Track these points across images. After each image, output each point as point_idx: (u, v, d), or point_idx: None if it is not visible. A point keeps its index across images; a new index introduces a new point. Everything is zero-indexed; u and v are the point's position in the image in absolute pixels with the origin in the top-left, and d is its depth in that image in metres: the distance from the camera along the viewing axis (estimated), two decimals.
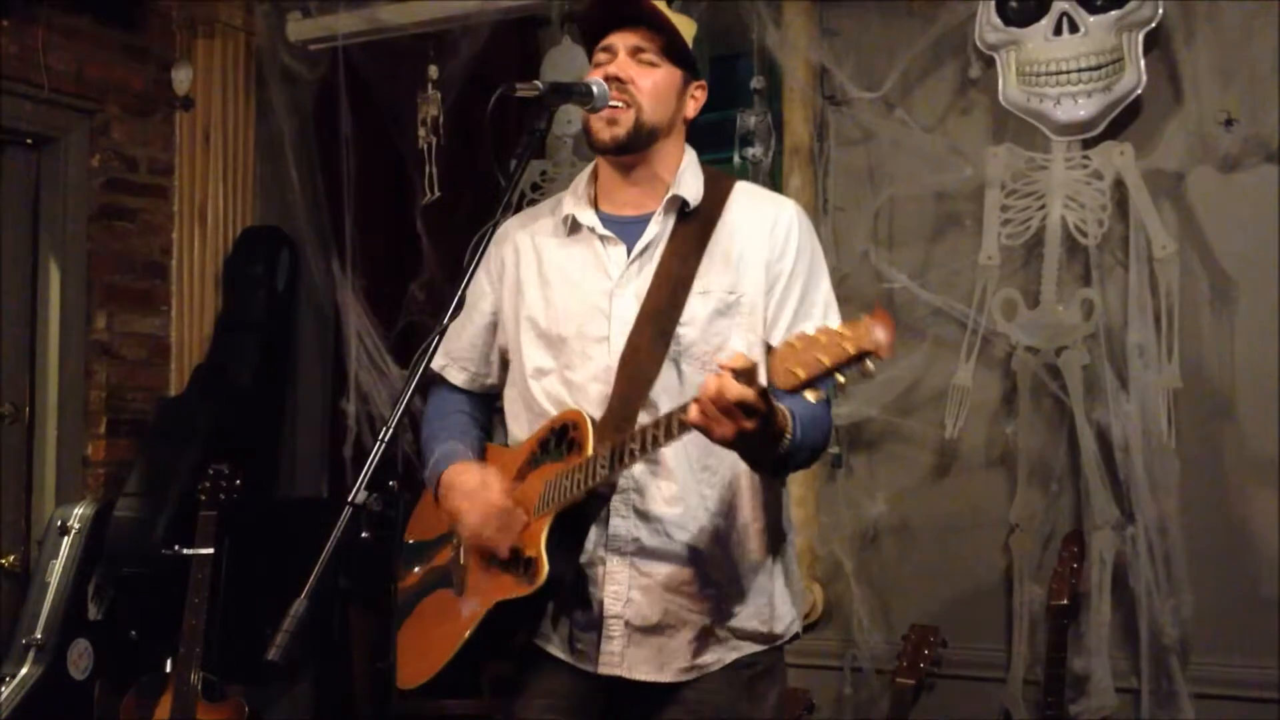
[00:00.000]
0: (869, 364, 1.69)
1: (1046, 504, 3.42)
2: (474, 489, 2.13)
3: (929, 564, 3.59)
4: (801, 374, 1.71)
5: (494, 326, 2.35)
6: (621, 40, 2.18)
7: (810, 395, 1.74)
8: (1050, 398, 3.40)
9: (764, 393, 1.81)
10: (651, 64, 2.17)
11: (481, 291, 2.35)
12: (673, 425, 1.91)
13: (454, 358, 2.39)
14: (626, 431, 2.02)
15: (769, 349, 1.76)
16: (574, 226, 2.25)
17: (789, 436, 1.94)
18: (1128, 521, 3.25)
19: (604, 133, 2.16)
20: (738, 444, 1.88)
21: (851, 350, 1.68)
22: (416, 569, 2.33)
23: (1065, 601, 3.19)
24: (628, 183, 2.23)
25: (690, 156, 2.26)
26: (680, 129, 2.25)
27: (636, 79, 2.16)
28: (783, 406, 1.94)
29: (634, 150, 2.18)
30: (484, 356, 2.38)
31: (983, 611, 3.49)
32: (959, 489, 3.57)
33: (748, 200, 2.25)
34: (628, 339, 2.14)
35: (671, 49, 2.18)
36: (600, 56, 2.20)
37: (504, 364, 2.35)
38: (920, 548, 3.61)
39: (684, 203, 2.20)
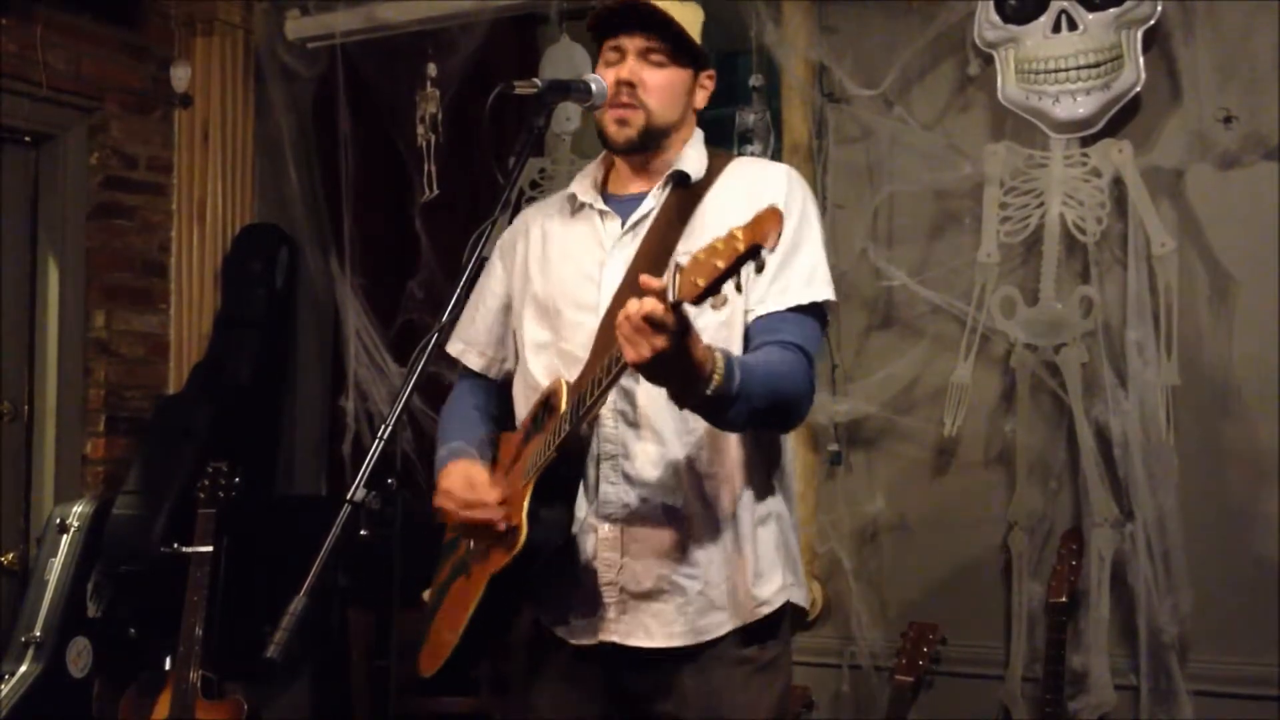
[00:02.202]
0: (763, 256, 1.64)
1: (1045, 501, 3.42)
2: (449, 486, 2.14)
3: (928, 561, 3.59)
4: (701, 282, 1.67)
5: (507, 309, 2.37)
6: (630, 42, 2.19)
7: (713, 303, 1.69)
8: (1049, 395, 3.40)
9: (674, 308, 1.74)
10: (660, 64, 2.19)
11: (496, 276, 2.38)
12: (611, 363, 1.89)
13: (469, 342, 2.40)
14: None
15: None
16: (577, 206, 2.28)
17: (718, 377, 1.86)
18: (1126, 519, 3.25)
19: (617, 134, 2.19)
20: (657, 370, 1.81)
21: (742, 248, 1.64)
22: (446, 565, 2.35)
23: (1064, 599, 3.20)
24: (635, 169, 2.26)
25: (697, 136, 2.28)
26: (691, 119, 2.28)
27: (646, 81, 2.17)
28: (709, 347, 1.88)
29: (646, 149, 2.22)
30: (499, 340, 2.39)
31: (982, 609, 3.50)
32: (958, 486, 3.57)
33: (740, 169, 2.25)
34: (609, 306, 2.14)
35: (680, 48, 2.20)
36: (609, 55, 2.22)
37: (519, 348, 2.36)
38: (919, 545, 3.61)
39: (684, 176, 2.21)
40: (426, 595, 2.40)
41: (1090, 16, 3.28)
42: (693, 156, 2.24)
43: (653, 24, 2.18)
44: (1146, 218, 3.26)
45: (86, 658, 3.89)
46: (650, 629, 2.13)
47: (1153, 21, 3.24)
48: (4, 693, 3.71)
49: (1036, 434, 3.43)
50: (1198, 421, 3.27)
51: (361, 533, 1.86)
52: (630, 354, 1.78)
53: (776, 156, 3.71)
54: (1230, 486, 3.26)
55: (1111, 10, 3.26)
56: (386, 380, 4.16)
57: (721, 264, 1.66)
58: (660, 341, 1.75)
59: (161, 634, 3.70)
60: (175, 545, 3.68)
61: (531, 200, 4.02)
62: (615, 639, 2.14)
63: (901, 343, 3.61)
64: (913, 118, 3.59)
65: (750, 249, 1.63)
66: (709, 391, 1.87)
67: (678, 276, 1.71)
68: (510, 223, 2.43)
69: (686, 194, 2.20)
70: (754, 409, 1.95)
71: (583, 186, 2.28)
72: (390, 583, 2.89)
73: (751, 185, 2.19)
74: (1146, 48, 3.26)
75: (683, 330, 1.77)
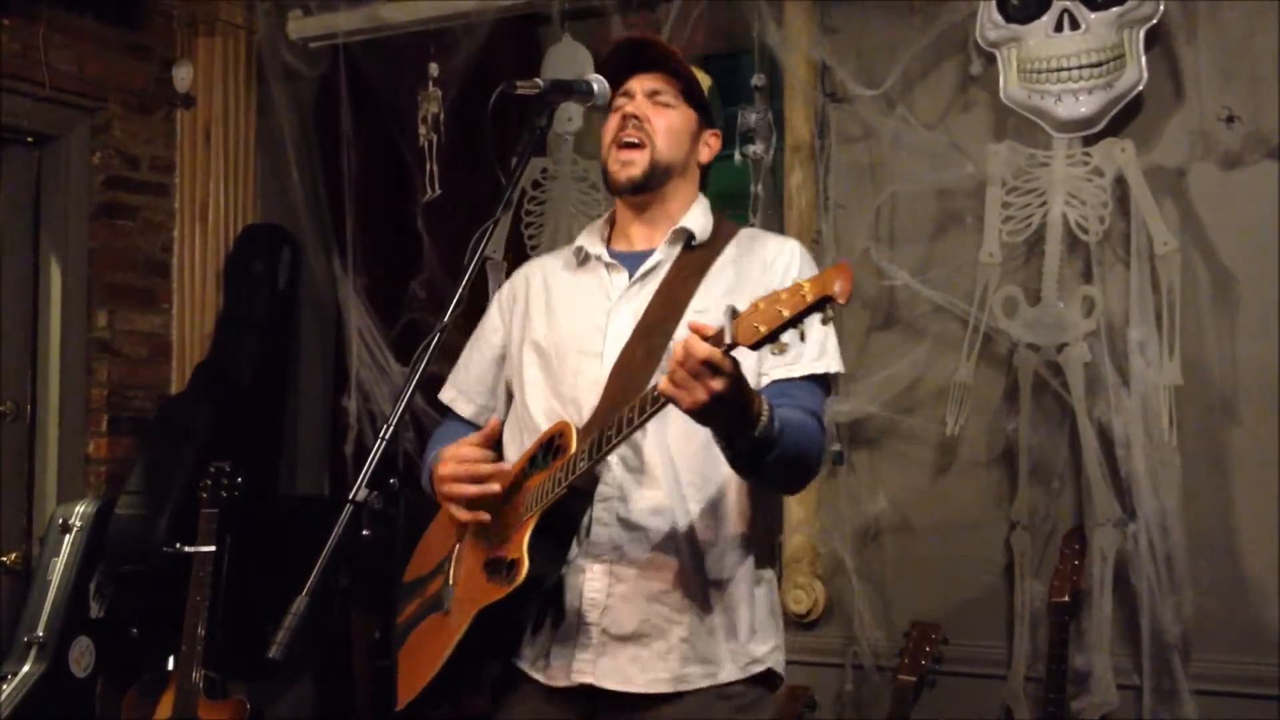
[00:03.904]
0: (829, 310, 1.68)
1: (1048, 501, 3.42)
2: (452, 450, 2.17)
3: (930, 561, 3.59)
4: (763, 329, 1.71)
5: (502, 359, 2.39)
6: (639, 84, 2.26)
7: (773, 349, 1.74)
8: (1051, 395, 3.40)
9: (729, 354, 1.79)
10: (667, 105, 2.25)
11: (494, 325, 2.41)
12: (646, 402, 1.91)
13: (462, 390, 2.43)
14: None
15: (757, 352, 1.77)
16: (584, 258, 2.32)
17: (764, 421, 1.93)
18: (1129, 518, 3.24)
19: (621, 174, 2.24)
20: (710, 413, 1.85)
21: (810, 299, 1.68)
22: (413, 602, 2.34)
23: (1066, 598, 3.20)
24: (640, 221, 2.29)
25: (703, 201, 2.33)
26: (694, 172, 2.31)
27: (652, 118, 2.23)
28: (759, 394, 1.95)
29: (649, 189, 2.25)
30: (491, 389, 2.41)
31: (984, 608, 3.49)
32: (960, 486, 3.57)
33: (752, 238, 2.31)
34: (621, 352, 2.17)
35: (688, 93, 2.26)
36: (619, 100, 2.27)
37: (509, 398, 2.38)
38: (922, 545, 3.61)
39: (690, 235, 2.25)
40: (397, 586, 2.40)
41: (1092, 16, 3.28)
42: (698, 215, 2.28)
43: (661, 65, 2.25)
44: (1149, 217, 3.26)
45: (89, 658, 3.89)
46: (629, 673, 2.13)
47: (1155, 21, 3.24)
48: (6, 693, 3.71)
49: (1039, 434, 3.43)
50: (1200, 421, 3.27)
51: (364, 533, 1.86)
52: (685, 399, 1.82)
53: (779, 156, 3.71)
54: (1233, 486, 3.26)
55: (1114, 9, 3.26)
56: (389, 380, 4.16)
57: (787, 312, 1.70)
58: (718, 384, 1.80)
59: (164, 634, 3.70)
60: (178, 545, 3.68)
61: (534, 200, 4.03)
62: (593, 681, 2.13)
63: (903, 342, 3.61)
64: (915, 117, 3.58)
65: (819, 300, 1.68)
66: (756, 433, 1.93)
67: (734, 322, 1.75)
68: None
69: (697, 254, 2.25)
70: (785, 459, 2.00)
71: (590, 240, 2.32)
72: (392, 583, 2.87)
73: (767, 254, 2.25)
74: (1149, 47, 3.26)
75: (737, 373, 1.83)
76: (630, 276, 2.25)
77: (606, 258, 2.28)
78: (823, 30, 3.70)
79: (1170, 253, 3.24)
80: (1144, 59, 3.24)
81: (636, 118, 2.22)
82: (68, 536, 3.95)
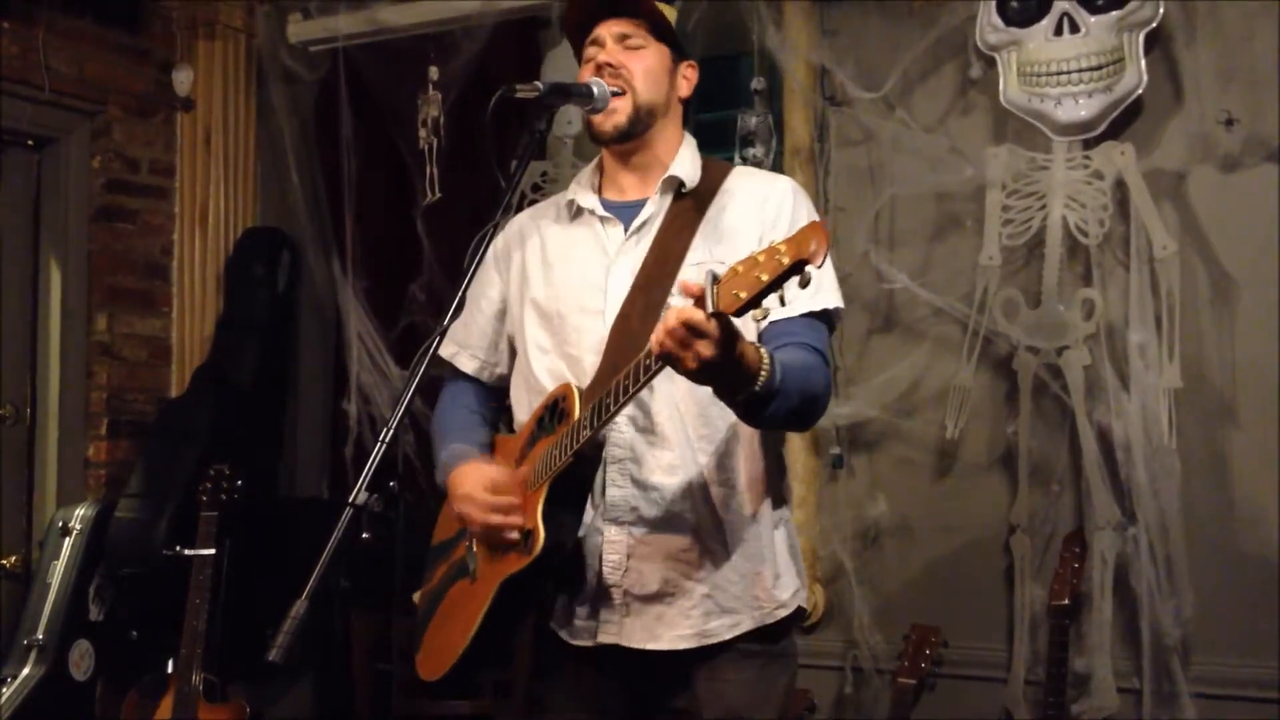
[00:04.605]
0: (808, 271, 1.67)
1: (1048, 504, 3.42)
2: (472, 490, 2.14)
3: (930, 564, 3.59)
4: (744, 295, 1.70)
5: (502, 314, 2.38)
6: (607, 30, 2.22)
7: (755, 315, 1.72)
8: (1051, 398, 3.40)
9: (717, 316, 1.76)
10: (640, 46, 2.22)
11: (490, 280, 2.38)
12: (640, 367, 1.90)
13: (463, 345, 2.41)
14: None
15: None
16: (576, 211, 2.29)
17: (764, 374, 1.90)
18: (1129, 521, 3.25)
19: (605, 123, 2.20)
20: (704, 375, 1.84)
21: (787, 262, 1.67)
22: (440, 568, 2.34)
23: (1066, 601, 3.20)
24: (628, 169, 2.26)
25: (689, 141, 2.29)
26: (677, 110, 2.28)
27: (627, 63, 2.20)
28: (757, 345, 1.93)
29: (635, 135, 2.22)
30: (493, 344, 2.40)
31: (984, 611, 3.50)
32: (960, 489, 3.57)
33: (743, 179, 2.28)
34: (620, 310, 2.15)
35: (657, 31, 2.23)
36: (590, 50, 2.24)
37: (513, 353, 2.36)
38: (921, 548, 3.61)
39: (680, 183, 2.23)
40: (417, 598, 2.40)
41: (1092, 19, 3.28)
42: (686, 159, 2.25)
43: (624, 8, 2.21)
44: (1148, 220, 3.26)
45: (89, 660, 3.89)
46: (655, 631, 2.14)
47: (1154, 24, 3.25)
48: (6, 696, 3.71)
49: (1038, 437, 3.43)
50: (1200, 424, 3.27)
51: (363, 535, 1.86)
52: (678, 367, 1.81)
53: (778, 159, 3.71)
54: (1232, 489, 3.26)
55: (1113, 13, 3.26)
56: (389, 383, 4.16)
57: (765, 277, 1.68)
58: (705, 350, 1.78)
59: (164, 637, 3.70)
60: (177, 548, 3.68)
61: (534, 203, 4.02)
62: (619, 641, 2.14)
63: (903, 345, 3.61)
64: (914, 120, 3.59)
65: (795, 264, 1.67)
66: (757, 388, 1.90)
67: (716, 288, 1.73)
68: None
69: (690, 201, 2.22)
70: (790, 407, 1.99)
71: (581, 192, 2.29)
72: (392, 585, 2.88)
73: (758, 196, 2.22)
74: (1148, 50, 3.26)
75: (729, 337, 1.80)
76: (625, 230, 2.22)
77: (600, 211, 2.25)
78: (822, 33, 3.71)
79: (1170, 256, 3.25)
80: (1144, 62, 3.25)
81: (612, 65, 2.19)
82: (67, 539, 3.95)
